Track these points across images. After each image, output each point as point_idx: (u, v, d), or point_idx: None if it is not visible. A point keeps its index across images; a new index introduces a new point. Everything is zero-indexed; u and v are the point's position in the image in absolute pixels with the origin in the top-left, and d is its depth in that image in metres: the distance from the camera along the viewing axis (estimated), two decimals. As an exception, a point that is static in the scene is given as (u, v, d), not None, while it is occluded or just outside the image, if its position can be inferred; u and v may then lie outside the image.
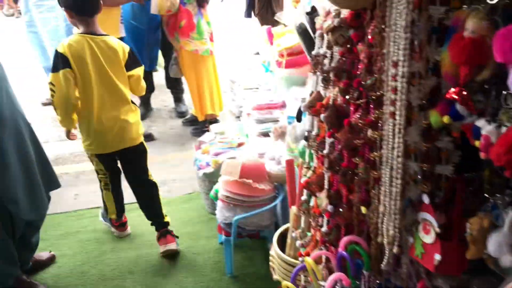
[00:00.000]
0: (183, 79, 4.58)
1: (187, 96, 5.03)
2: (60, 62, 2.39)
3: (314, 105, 1.53)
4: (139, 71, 2.65)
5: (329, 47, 1.49)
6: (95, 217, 3.23)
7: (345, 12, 1.40)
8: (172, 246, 2.78)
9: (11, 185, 2.25)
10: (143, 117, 4.80)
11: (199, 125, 4.46)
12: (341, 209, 1.48)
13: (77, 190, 3.61)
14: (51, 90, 2.44)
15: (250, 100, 3.24)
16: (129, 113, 2.63)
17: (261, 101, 3.18)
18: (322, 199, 1.60)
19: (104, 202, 2.94)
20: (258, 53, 3.50)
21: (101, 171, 2.81)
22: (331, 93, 1.51)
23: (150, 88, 4.88)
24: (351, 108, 1.39)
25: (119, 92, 2.55)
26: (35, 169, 2.42)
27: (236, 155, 3.04)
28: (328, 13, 1.50)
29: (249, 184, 2.47)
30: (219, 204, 2.59)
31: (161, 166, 3.95)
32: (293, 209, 2.06)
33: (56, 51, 2.43)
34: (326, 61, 1.51)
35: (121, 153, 2.71)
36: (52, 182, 2.57)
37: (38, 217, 2.55)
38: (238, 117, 3.67)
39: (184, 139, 4.45)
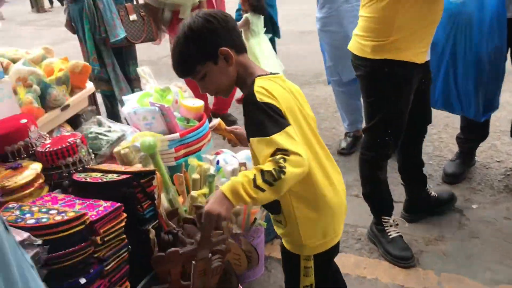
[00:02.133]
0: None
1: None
2: (279, 116, 1.42)
3: None
4: None
5: None
6: None
7: None
8: None
9: None
10: (462, 177, 3.07)
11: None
12: None
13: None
14: (281, 161, 1.32)
15: None
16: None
17: None
18: None
19: None
20: None
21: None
22: None
23: (485, 133, 3.11)
24: None
25: (324, 144, 1.61)
26: None
27: None
28: None
29: None
30: None
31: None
32: None
33: (263, 102, 1.42)
34: None
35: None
36: None
37: None
38: None
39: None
